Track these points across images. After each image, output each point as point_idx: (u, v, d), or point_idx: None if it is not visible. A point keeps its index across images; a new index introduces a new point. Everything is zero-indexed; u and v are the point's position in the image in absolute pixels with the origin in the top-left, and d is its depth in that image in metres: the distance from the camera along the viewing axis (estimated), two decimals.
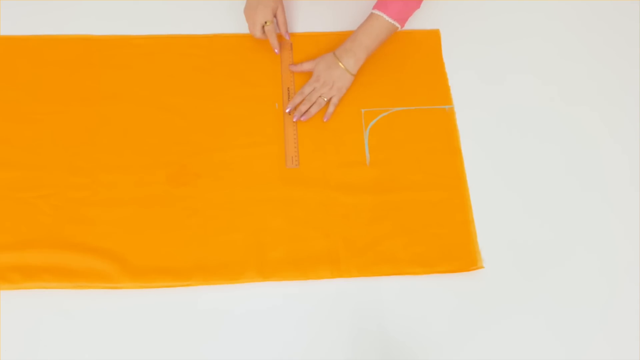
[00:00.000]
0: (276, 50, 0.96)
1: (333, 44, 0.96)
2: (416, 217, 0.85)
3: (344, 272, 0.81)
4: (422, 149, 0.90)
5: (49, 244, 0.81)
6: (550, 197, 0.88)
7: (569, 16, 1.06)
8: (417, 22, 1.02)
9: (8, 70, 0.95)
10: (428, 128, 0.92)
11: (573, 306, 0.80)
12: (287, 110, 0.92)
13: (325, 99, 0.92)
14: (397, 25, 0.91)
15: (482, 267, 0.81)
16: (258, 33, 0.95)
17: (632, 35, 1.03)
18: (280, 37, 0.98)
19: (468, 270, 0.81)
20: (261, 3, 0.93)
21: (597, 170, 0.90)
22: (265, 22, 0.94)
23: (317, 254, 0.82)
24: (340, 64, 0.92)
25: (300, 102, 0.92)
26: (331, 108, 0.92)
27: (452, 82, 0.97)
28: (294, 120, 0.91)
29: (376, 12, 0.90)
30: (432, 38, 1.02)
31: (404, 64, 0.98)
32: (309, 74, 0.95)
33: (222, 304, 0.79)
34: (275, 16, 0.95)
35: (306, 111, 0.92)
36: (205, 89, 0.94)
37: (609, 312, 0.79)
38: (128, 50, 0.98)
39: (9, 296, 0.78)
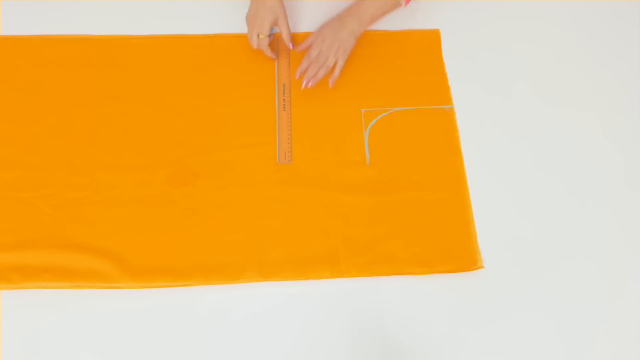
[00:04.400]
0: (272, 56, 0.96)
1: None
2: (416, 217, 0.85)
3: (344, 272, 0.81)
4: (422, 149, 0.90)
5: (49, 244, 0.81)
6: (551, 197, 0.87)
7: (568, 16, 1.06)
8: (417, 22, 1.02)
9: (8, 70, 0.95)
10: (428, 128, 0.92)
11: (573, 306, 0.80)
12: (296, 77, 0.92)
13: (333, 61, 0.92)
14: (402, 1, 0.93)
15: (482, 267, 0.81)
16: (254, 44, 0.94)
17: (633, 40, 1.03)
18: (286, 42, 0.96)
19: (468, 270, 0.81)
20: (259, 15, 0.91)
21: (597, 170, 0.90)
22: (259, 35, 0.92)
23: (317, 254, 0.82)
24: (346, 26, 0.92)
25: (308, 67, 0.92)
26: (337, 71, 0.92)
27: (452, 82, 0.97)
28: (302, 87, 0.91)
29: None
30: (432, 38, 1.02)
31: (404, 64, 0.98)
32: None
33: (222, 304, 0.79)
34: (277, 25, 0.93)
35: (313, 75, 0.91)
36: (205, 89, 0.94)
37: (610, 311, 0.79)
38: (128, 50, 0.98)
39: (9, 296, 0.78)
